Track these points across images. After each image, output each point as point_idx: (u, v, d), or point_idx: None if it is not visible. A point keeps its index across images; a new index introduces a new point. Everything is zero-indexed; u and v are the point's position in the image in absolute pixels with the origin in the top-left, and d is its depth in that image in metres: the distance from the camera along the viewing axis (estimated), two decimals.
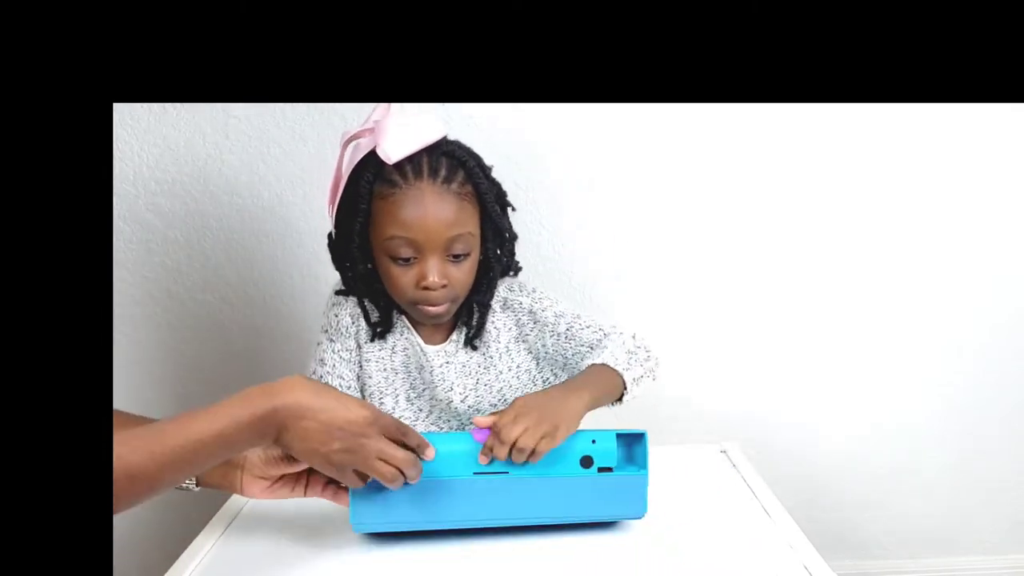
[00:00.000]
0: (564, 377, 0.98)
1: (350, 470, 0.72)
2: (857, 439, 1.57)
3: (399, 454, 0.72)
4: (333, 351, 0.96)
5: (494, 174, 0.90)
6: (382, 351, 0.96)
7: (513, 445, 0.74)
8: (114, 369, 1.42)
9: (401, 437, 0.73)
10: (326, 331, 0.97)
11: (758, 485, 0.96)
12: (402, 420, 0.97)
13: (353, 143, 0.86)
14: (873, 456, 1.58)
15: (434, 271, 0.84)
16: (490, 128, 1.35)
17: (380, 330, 0.95)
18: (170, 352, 1.45)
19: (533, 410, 0.76)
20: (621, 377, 0.85)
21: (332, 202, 0.88)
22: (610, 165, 1.41)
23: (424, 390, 0.96)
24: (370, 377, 0.97)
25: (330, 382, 0.95)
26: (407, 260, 0.84)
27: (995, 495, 1.62)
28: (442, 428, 0.99)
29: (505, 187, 0.92)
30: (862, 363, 1.53)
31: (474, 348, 0.95)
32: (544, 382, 0.99)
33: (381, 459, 0.71)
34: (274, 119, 1.36)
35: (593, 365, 0.86)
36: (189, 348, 1.45)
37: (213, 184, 1.38)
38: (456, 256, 0.85)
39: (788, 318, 1.50)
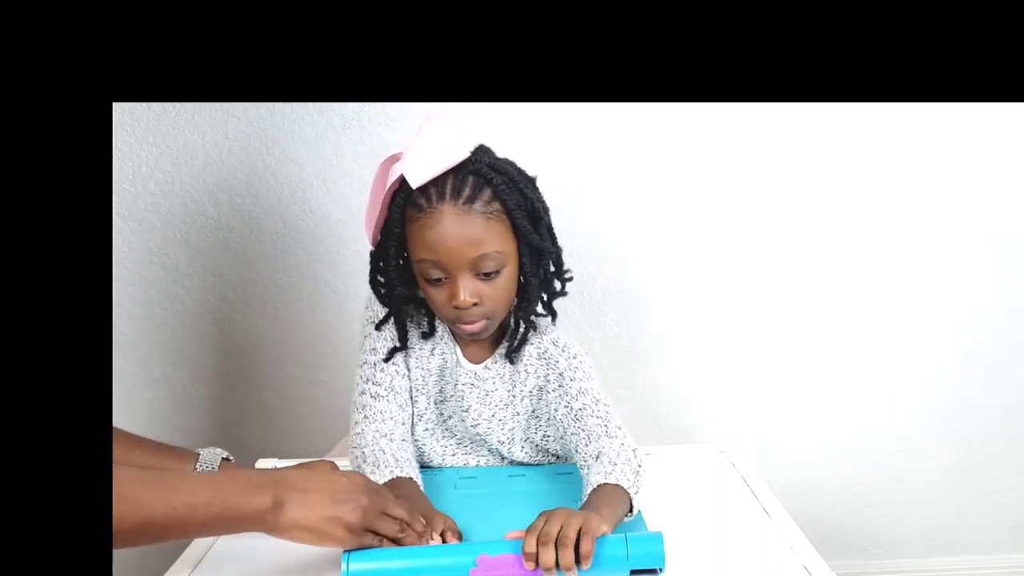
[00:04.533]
0: (554, 443, 0.98)
1: (366, 532, 0.72)
2: (857, 439, 1.57)
3: (401, 511, 0.75)
4: (384, 339, 0.96)
5: None
6: (422, 350, 0.97)
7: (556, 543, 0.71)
8: (114, 369, 1.42)
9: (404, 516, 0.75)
10: (372, 321, 0.96)
11: (758, 485, 0.96)
12: (424, 420, 0.98)
13: (392, 167, 0.86)
14: (873, 456, 1.58)
15: (464, 291, 0.84)
16: (490, 128, 1.35)
17: (424, 333, 0.95)
18: (170, 352, 1.45)
19: (560, 512, 0.74)
20: (630, 499, 0.84)
21: (369, 223, 0.89)
22: (610, 165, 1.41)
23: (451, 395, 0.97)
24: (409, 371, 0.97)
25: (385, 368, 0.95)
26: (439, 280, 0.85)
27: (995, 495, 1.62)
28: (456, 435, 0.99)
29: None
30: (862, 363, 1.53)
31: (512, 363, 0.95)
32: (543, 438, 0.99)
33: (386, 514, 0.74)
34: (274, 119, 1.36)
35: (607, 486, 0.83)
36: (189, 348, 1.45)
37: (213, 184, 1.38)
38: (487, 274, 0.85)
39: (788, 318, 1.50)
